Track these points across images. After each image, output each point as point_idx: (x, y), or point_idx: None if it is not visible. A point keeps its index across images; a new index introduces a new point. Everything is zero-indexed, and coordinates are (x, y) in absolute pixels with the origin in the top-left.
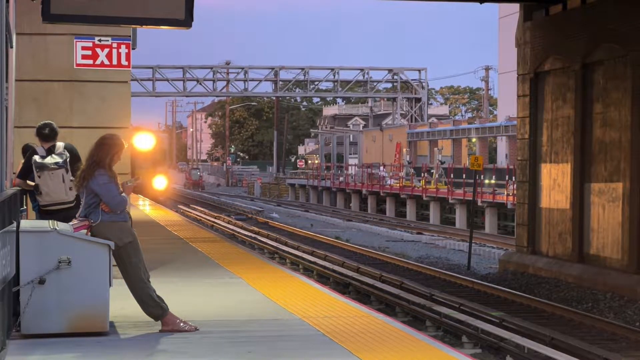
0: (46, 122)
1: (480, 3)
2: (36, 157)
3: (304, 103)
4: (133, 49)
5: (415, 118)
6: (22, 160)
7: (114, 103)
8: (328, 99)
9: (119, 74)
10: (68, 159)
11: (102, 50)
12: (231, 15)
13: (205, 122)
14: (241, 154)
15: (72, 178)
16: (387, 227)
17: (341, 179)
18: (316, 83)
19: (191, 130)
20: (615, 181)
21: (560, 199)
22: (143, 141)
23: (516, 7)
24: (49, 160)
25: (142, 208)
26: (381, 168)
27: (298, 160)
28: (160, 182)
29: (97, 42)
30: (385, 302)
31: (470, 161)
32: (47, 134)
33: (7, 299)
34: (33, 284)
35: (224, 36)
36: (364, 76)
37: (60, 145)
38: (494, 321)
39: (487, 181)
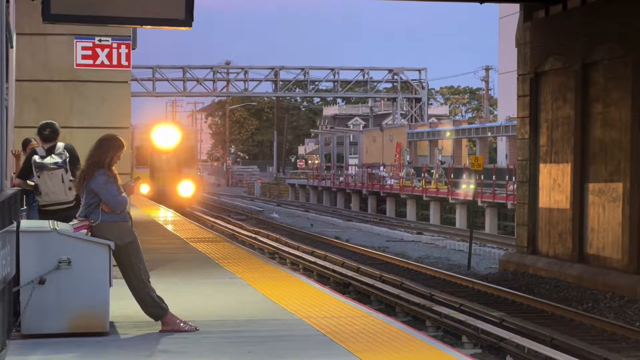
0: (48, 122)
1: (480, 3)
2: (36, 157)
3: (304, 103)
4: (133, 49)
5: (415, 118)
6: (21, 151)
7: (114, 103)
8: (328, 99)
9: (119, 74)
10: (67, 159)
11: (102, 50)
12: (231, 15)
13: (206, 122)
14: (241, 154)
15: (71, 178)
16: (387, 227)
17: (341, 179)
18: (316, 83)
19: None
20: (615, 181)
21: (560, 199)
22: (165, 136)
23: (516, 7)
24: (48, 160)
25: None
26: (381, 168)
27: (298, 160)
28: (186, 189)
29: (97, 42)
30: (385, 302)
31: (470, 161)
32: (47, 135)
33: (7, 299)
34: (33, 284)
35: (224, 36)
36: (364, 76)
37: (60, 145)
38: (494, 321)
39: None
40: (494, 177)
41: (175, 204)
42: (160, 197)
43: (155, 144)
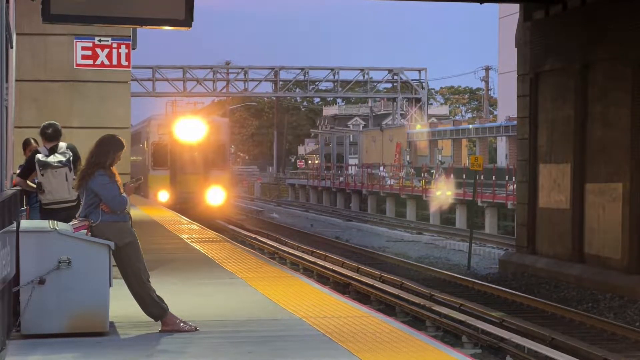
0: (50, 122)
1: (480, 3)
2: (39, 156)
3: (304, 103)
4: (133, 49)
5: (415, 118)
6: (22, 153)
7: (114, 103)
8: (328, 99)
9: (119, 74)
10: (71, 158)
11: (102, 51)
12: (231, 15)
13: None
14: (241, 154)
15: (74, 177)
16: (387, 227)
17: (341, 179)
18: (316, 83)
19: None
20: (615, 181)
21: (560, 199)
22: (188, 130)
23: (516, 7)
24: (52, 158)
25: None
26: (381, 168)
27: (298, 161)
28: (215, 195)
29: (97, 42)
30: (385, 302)
31: (470, 161)
32: (50, 134)
33: (7, 299)
34: (33, 284)
35: (224, 36)
36: (364, 76)
37: (62, 145)
38: (494, 321)
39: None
40: (493, 177)
41: (202, 214)
42: (184, 207)
43: (177, 139)
